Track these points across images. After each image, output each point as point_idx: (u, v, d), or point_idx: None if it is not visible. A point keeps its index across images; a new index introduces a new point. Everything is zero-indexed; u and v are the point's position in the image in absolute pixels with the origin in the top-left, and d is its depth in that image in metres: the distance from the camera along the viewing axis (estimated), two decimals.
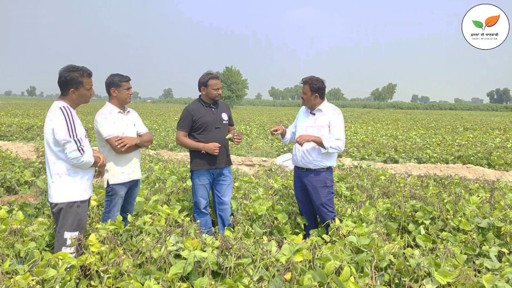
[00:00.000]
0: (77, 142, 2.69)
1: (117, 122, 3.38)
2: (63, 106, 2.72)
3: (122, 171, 3.41)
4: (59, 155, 2.72)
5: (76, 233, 2.75)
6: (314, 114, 3.76)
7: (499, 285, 2.21)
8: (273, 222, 4.00)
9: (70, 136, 2.66)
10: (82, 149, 2.71)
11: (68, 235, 2.73)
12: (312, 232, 3.56)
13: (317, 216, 3.98)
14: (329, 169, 3.75)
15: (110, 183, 3.38)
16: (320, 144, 3.57)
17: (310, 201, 3.85)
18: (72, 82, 2.74)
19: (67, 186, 2.76)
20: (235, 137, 3.84)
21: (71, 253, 2.60)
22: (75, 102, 2.82)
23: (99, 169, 3.02)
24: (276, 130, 3.85)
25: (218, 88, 3.82)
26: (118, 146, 3.29)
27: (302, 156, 3.75)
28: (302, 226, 4.04)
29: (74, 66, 2.80)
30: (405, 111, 79.13)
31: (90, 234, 2.79)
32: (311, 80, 3.68)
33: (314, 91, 3.68)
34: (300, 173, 3.84)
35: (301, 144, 3.53)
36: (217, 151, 3.74)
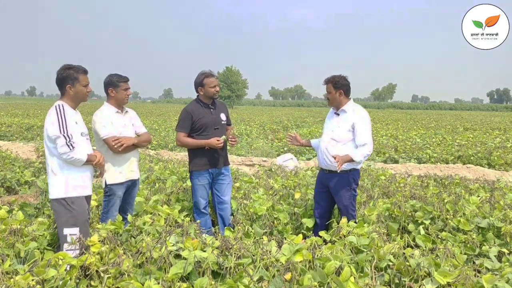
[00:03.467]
0: (66, 137, 2.73)
1: (114, 122, 3.39)
2: (58, 105, 2.79)
3: (120, 171, 3.41)
4: (53, 151, 2.79)
5: (76, 229, 2.77)
6: (338, 115, 3.67)
7: (499, 285, 2.21)
8: (273, 222, 3.99)
9: (60, 131, 2.71)
10: (72, 145, 2.74)
11: (67, 231, 2.77)
12: (322, 234, 3.49)
13: (328, 220, 3.92)
14: (353, 171, 3.61)
15: (107, 183, 3.39)
16: (351, 160, 3.46)
17: (328, 203, 3.78)
18: (68, 78, 2.81)
19: (61, 183, 2.80)
20: (229, 139, 3.85)
21: (75, 250, 2.63)
22: (73, 100, 2.87)
23: (98, 168, 3.03)
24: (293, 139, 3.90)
25: (215, 86, 3.82)
26: (115, 146, 3.29)
27: (324, 158, 3.68)
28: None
29: (69, 64, 2.87)
30: (405, 111, 79.12)
31: (91, 234, 2.79)
32: (333, 78, 3.60)
33: (338, 87, 3.58)
34: (323, 175, 3.77)
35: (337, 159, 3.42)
36: (221, 144, 3.74)
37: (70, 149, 2.73)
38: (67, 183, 2.82)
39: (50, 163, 2.82)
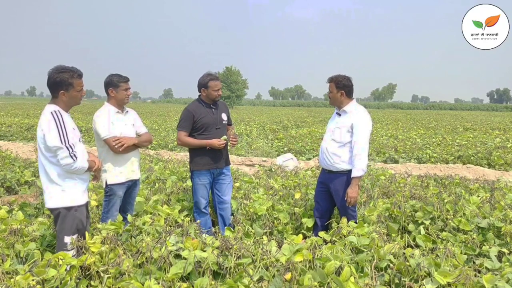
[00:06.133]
0: (69, 148, 2.61)
1: (115, 122, 3.39)
2: (54, 111, 2.63)
3: (120, 171, 3.41)
4: (52, 160, 2.65)
5: (74, 237, 2.69)
6: (339, 115, 3.66)
7: (499, 285, 2.21)
8: (273, 222, 3.99)
9: (61, 142, 2.58)
10: (75, 155, 2.63)
11: (68, 239, 2.69)
12: (322, 234, 3.48)
13: (328, 220, 3.93)
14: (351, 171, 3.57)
15: (108, 183, 3.39)
16: (356, 178, 3.47)
17: (328, 203, 3.79)
18: (62, 83, 2.65)
19: (63, 191, 2.70)
20: (231, 138, 3.85)
21: (73, 255, 2.60)
22: (66, 105, 2.73)
23: (94, 173, 2.97)
24: None
25: (218, 89, 3.83)
26: (116, 146, 3.29)
27: (324, 158, 3.68)
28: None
29: (64, 67, 2.71)
30: (405, 111, 79.08)
31: (92, 235, 2.79)
32: (336, 78, 3.59)
33: (339, 88, 3.57)
34: (324, 175, 3.77)
35: (350, 204, 3.50)
36: (222, 145, 3.74)
37: (74, 160, 2.62)
38: (71, 191, 2.72)
39: (49, 171, 2.67)
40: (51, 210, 2.75)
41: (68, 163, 2.62)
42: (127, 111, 3.56)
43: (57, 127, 2.59)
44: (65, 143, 2.60)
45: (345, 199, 3.50)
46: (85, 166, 2.74)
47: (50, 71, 2.69)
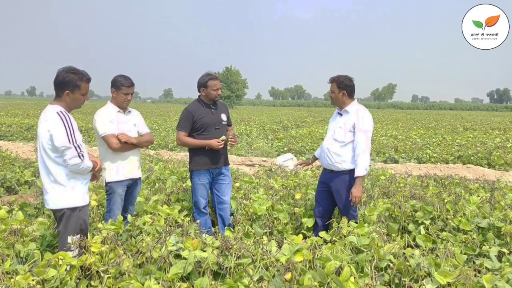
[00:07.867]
0: (77, 148, 2.63)
1: (115, 121, 3.42)
2: (61, 111, 2.64)
3: (119, 169, 3.44)
4: (58, 161, 2.66)
5: (77, 237, 2.71)
6: (341, 115, 3.67)
7: (499, 285, 2.22)
8: (273, 222, 3.99)
9: (69, 142, 2.60)
10: (82, 155, 2.66)
11: (70, 240, 2.69)
12: (322, 234, 3.48)
13: (328, 220, 3.93)
14: (354, 171, 3.56)
15: (107, 181, 3.42)
16: (360, 178, 3.48)
17: (328, 203, 3.79)
18: (69, 84, 2.66)
19: (67, 192, 2.70)
20: (230, 139, 3.85)
21: (74, 256, 2.60)
22: (68, 106, 2.73)
23: (95, 173, 2.97)
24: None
25: (218, 89, 3.83)
26: (118, 138, 3.33)
27: (325, 157, 3.69)
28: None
29: (75, 68, 2.72)
30: (405, 111, 79.07)
31: (92, 235, 2.78)
32: (338, 78, 3.60)
33: (341, 88, 3.58)
34: (326, 174, 3.78)
35: (355, 204, 3.52)
36: (221, 146, 3.75)
37: (82, 160, 2.65)
38: (76, 191, 2.73)
39: (53, 172, 2.66)
40: (55, 211, 2.74)
41: (76, 163, 2.64)
42: (129, 111, 3.60)
43: (65, 127, 2.61)
44: (73, 143, 2.62)
45: (350, 199, 3.50)
46: (90, 165, 2.76)
47: (60, 69, 2.70)
